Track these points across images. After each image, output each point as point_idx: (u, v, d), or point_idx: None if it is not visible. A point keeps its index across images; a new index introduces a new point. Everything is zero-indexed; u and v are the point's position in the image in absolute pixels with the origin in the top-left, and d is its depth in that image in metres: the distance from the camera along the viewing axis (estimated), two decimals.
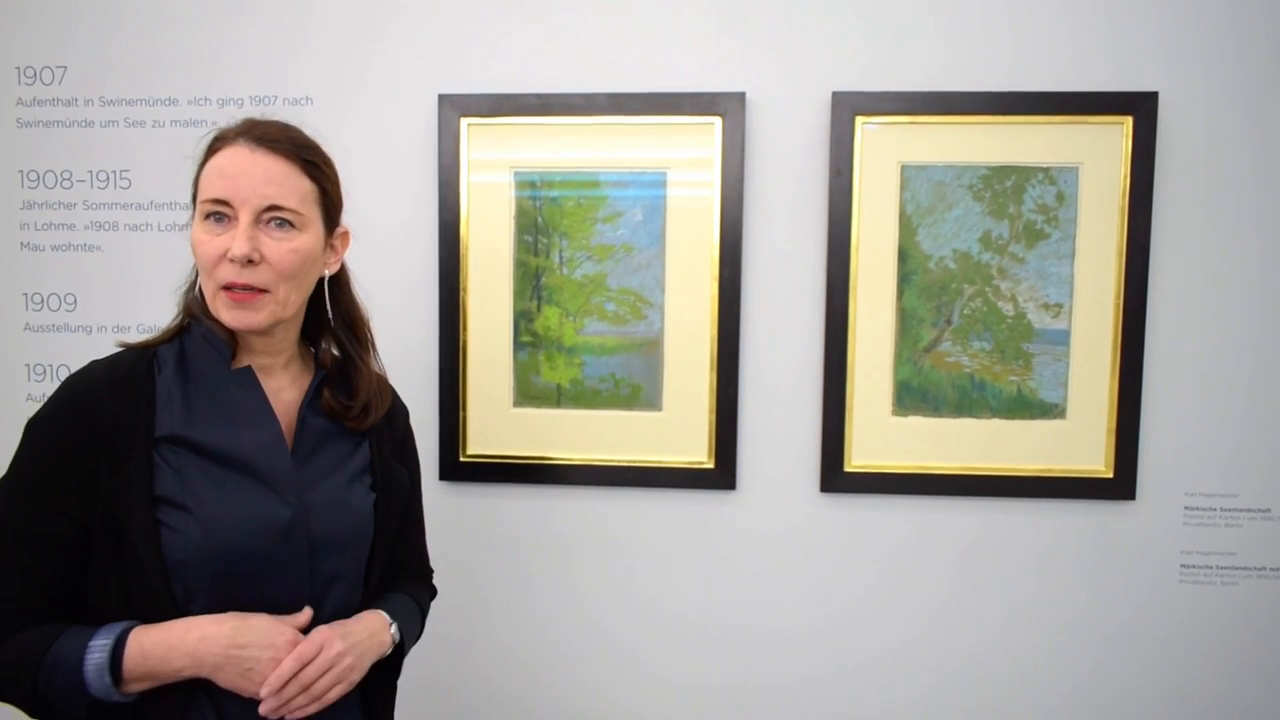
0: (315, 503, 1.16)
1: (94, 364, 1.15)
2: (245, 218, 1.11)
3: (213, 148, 1.15)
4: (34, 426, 1.10)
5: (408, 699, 1.82)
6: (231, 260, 1.11)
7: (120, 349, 1.18)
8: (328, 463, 1.20)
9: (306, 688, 1.10)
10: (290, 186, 1.14)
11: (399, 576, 1.34)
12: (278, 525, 1.12)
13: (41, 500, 1.07)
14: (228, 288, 1.12)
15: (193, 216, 1.16)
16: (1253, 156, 1.67)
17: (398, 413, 1.36)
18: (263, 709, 1.09)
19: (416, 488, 1.38)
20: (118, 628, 1.06)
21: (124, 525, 1.07)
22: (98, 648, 1.05)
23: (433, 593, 1.44)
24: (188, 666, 1.06)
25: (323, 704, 1.12)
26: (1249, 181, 1.67)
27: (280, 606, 1.13)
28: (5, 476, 1.11)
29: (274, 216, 1.13)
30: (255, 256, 1.11)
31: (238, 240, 1.10)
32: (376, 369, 1.30)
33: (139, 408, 1.10)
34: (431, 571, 1.46)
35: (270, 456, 1.14)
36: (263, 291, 1.13)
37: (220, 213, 1.12)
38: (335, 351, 1.28)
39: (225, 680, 1.07)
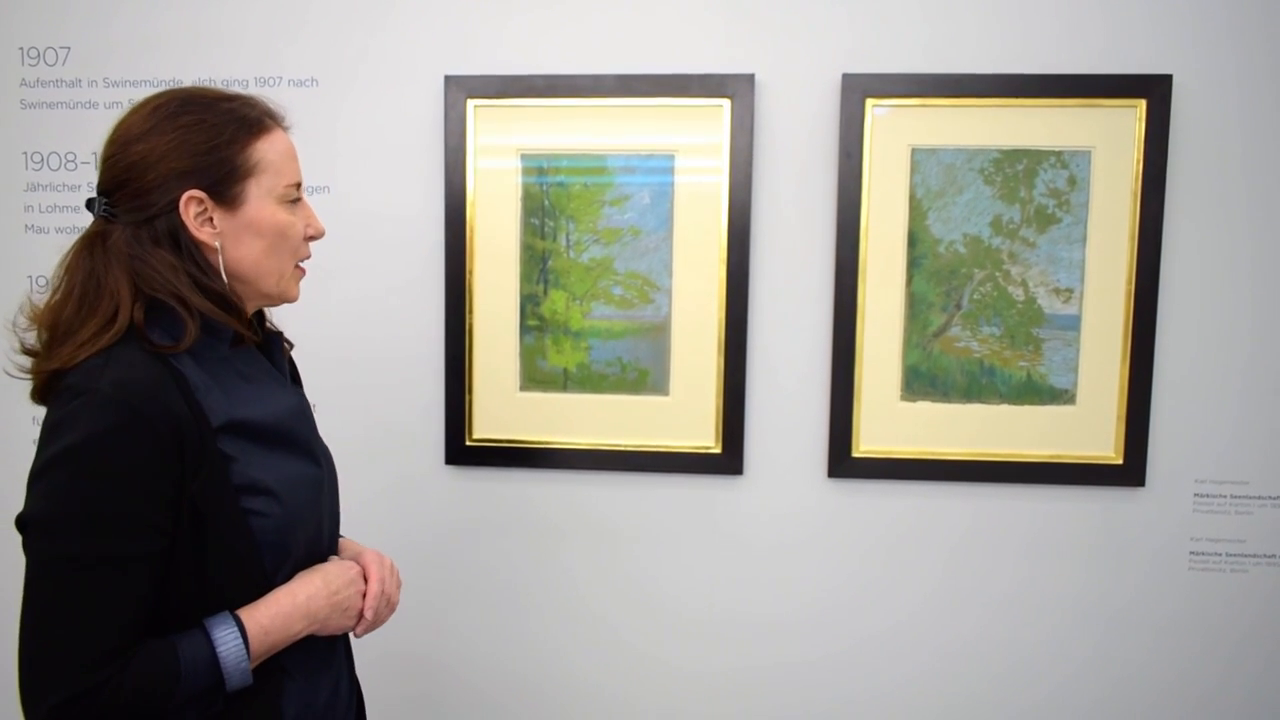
0: (324, 454, 1.24)
1: (112, 369, 1.02)
2: (304, 197, 1.19)
3: (260, 129, 1.13)
4: (91, 447, 0.98)
5: (415, 683, 1.83)
6: (314, 238, 1.20)
7: (97, 358, 1.04)
8: (309, 416, 1.26)
9: (390, 600, 1.23)
10: None
11: None
12: (319, 484, 1.19)
13: (133, 520, 1.00)
14: (297, 265, 1.20)
15: (233, 196, 1.10)
16: (1267, 141, 1.65)
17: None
18: (360, 631, 1.20)
19: None
20: (227, 618, 1.05)
21: (207, 520, 1.04)
22: (227, 640, 1.03)
23: None
24: (305, 627, 1.12)
25: (393, 609, 1.25)
26: (1263, 166, 1.65)
27: (322, 556, 1.20)
28: (69, 506, 0.99)
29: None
30: None
31: (316, 219, 1.20)
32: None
33: (189, 400, 1.05)
34: None
35: (299, 421, 1.19)
36: None
37: (298, 196, 1.17)
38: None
39: (331, 626, 1.15)
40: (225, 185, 1.10)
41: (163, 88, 1.72)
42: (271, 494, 1.09)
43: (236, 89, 1.25)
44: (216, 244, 1.10)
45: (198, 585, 1.05)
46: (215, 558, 1.05)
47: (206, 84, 1.74)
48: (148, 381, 1.02)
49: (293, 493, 1.12)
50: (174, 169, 1.08)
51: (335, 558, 1.22)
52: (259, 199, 1.12)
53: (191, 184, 1.08)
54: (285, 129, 1.17)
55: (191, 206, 1.08)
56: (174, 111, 1.10)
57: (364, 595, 1.19)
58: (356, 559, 1.23)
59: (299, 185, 1.16)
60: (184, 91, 1.14)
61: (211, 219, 1.10)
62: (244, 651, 1.04)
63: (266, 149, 1.12)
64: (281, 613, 1.09)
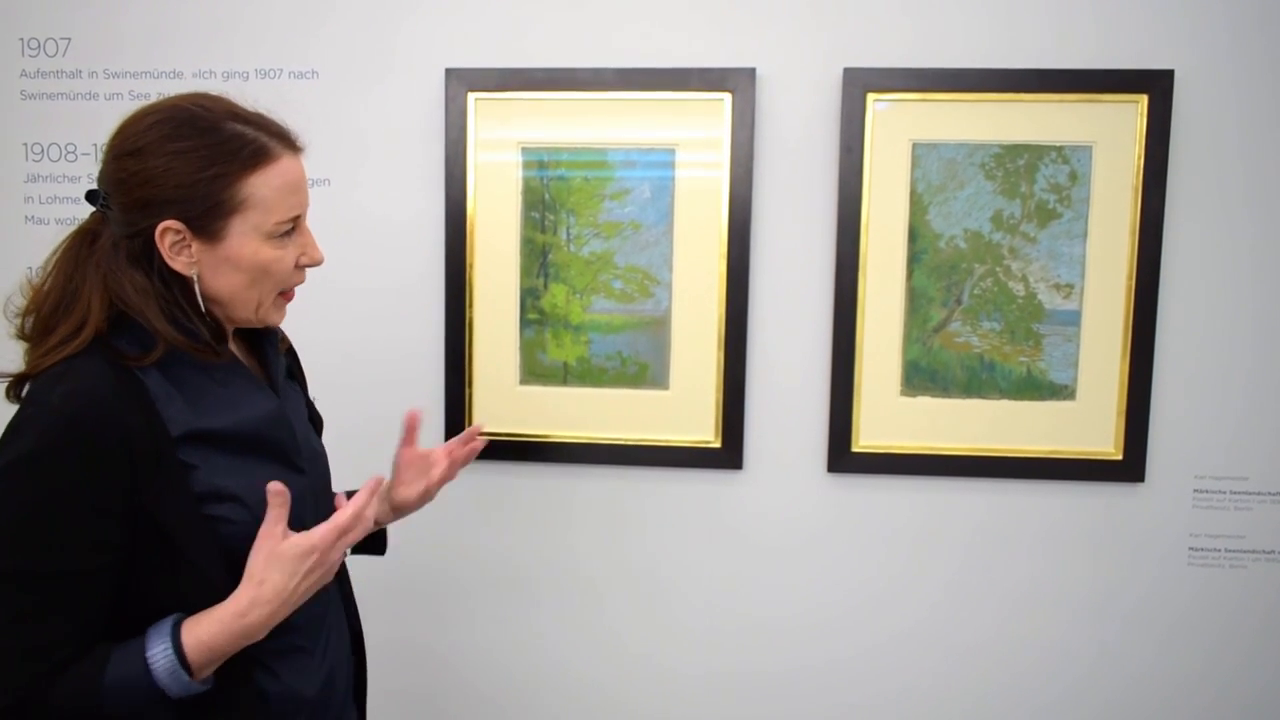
0: (310, 459, 1.21)
1: (67, 380, 1.02)
2: (305, 224, 1.14)
3: (260, 161, 1.08)
4: (31, 463, 0.99)
5: (410, 676, 1.83)
6: (309, 266, 1.15)
7: (59, 366, 1.04)
8: (299, 417, 1.24)
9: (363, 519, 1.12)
10: None
11: None
12: (298, 490, 1.14)
13: (70, 537, 0.99)
14: (283, 292, 1.15)
15: (214, 231, 1.07)
16: (1269, 137, 1.65)
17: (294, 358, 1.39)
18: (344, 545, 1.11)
19: None
20: (165, 626, 1.03)
21: (169, 531, 1.03)
22: (159, 654, 1.01)
23: None
24: (267, 620, 1.05)
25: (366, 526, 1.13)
26: (1265, 162, 1.65)
27: None
28: (4, 521, 0.99)
29: None
30: None
31: (315, 247, 1.15)
32: None
33: (147, 411, 1.04)
34: None
35: (274, 428, 1.15)
36: None
37: (290, 230, 1.12)
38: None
39: (309, 591, 1.08)
40: (206, 220, 1.06)
41: (163, 80, 1.76)
42: (237, 500, 1.08)
43: (237, 82, 1.24)
44: (191, 273, 1.08)
45: (169, 592, 1.05)
46: (184, 565, 1.05)
47: (207, 76, 1.76)
48: (100, 394, 1.01)
49: (262, 498, 1.08)
50: (157, 195, 1.05)
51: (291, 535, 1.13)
52: (241, 235, 1.07)
53: (171, 214, 1.05)
54: (298, 150, 1.13)
55: (167, 236, 1.05)
56: (169, 133, 1.06)
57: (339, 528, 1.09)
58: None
59: (296, 218, 1.11)
60: (191, 108, 1.08)
61: (189, 247, 1.07)
62: (175, 664, 1.01)
63: (260, 184, 1.07)
64: (225, 630, 1.04)
